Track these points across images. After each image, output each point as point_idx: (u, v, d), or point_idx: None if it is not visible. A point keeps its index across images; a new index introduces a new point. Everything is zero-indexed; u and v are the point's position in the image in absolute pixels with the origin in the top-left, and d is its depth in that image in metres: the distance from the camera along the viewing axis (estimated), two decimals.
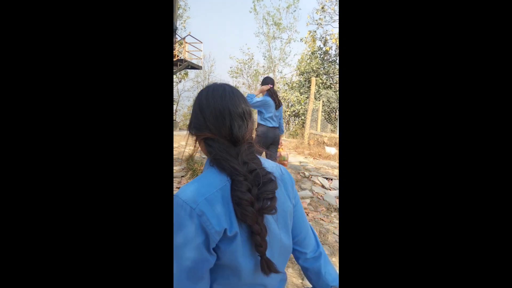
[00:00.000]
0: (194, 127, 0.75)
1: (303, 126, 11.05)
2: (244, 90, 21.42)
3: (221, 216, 0.65)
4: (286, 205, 0.78)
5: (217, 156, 0.70)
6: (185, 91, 23.99)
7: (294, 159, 6.13)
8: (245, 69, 21.65)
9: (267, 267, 0.69)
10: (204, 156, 0.80)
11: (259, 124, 3.73)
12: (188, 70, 19.34)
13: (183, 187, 0.70)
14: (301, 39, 15.86)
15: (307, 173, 4.89)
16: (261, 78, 21.73)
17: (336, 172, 5.24)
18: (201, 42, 13.73)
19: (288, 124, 15.30)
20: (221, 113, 0.71)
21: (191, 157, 4.71)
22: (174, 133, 11.34)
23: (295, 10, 22.69)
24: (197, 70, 18.57)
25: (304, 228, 0.85)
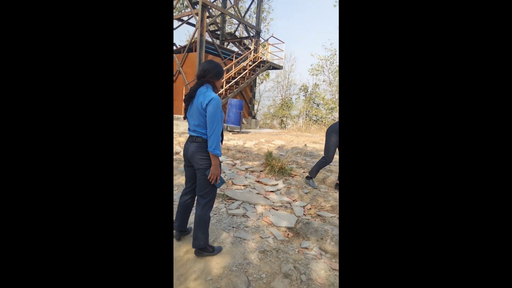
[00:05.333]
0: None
1: None
2: (324, 88, 20.78)
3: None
4: (196, 106, 2.07)
5: None
6: (266, 91, 24.97)
7: None
8: (326, 65, 20.95)
9: (184, 118, 2.26)
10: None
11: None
12: (270, 71, 20.08)
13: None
14: None
15: None
16: None
17: None
18: (283, 42, 14.07)
19: None
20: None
21: (269, 154, 5.01)
22: (255, 130, 11.85)
23: None
24: (278, 70, 19.12)
25: (208, 124, 2.03)
